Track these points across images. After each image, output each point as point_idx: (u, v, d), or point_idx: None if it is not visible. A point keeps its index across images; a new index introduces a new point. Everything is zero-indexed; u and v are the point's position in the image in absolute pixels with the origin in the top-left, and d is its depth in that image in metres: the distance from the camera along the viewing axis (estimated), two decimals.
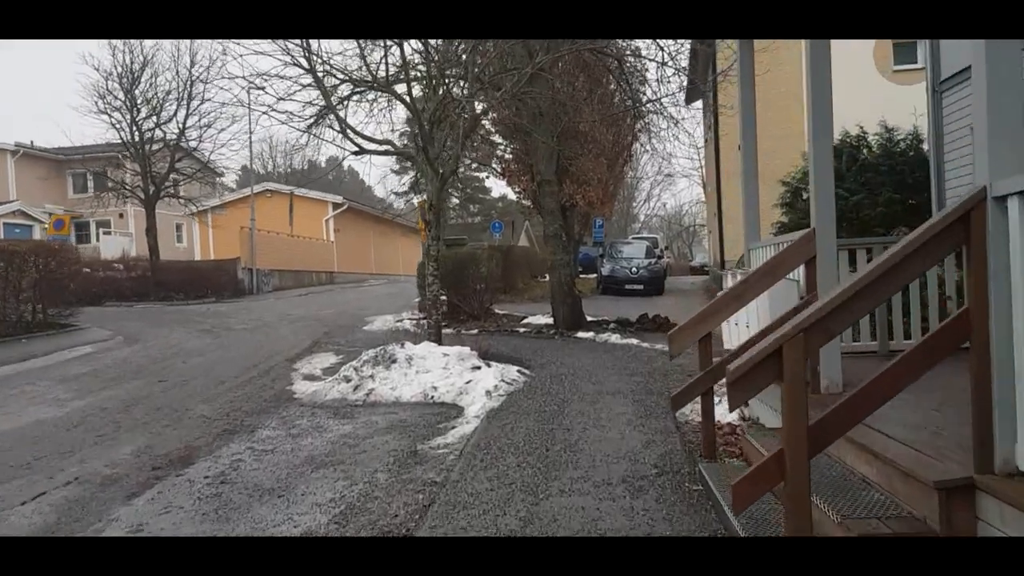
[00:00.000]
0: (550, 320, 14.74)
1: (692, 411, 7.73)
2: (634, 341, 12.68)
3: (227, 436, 7.85)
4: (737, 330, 5.49)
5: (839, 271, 5.62)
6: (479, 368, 9.78)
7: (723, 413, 6.79)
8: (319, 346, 14.26)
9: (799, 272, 5.33)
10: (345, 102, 12.22)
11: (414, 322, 16.68)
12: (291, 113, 12.59)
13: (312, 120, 12.45)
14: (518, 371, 10.03)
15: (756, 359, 3.00)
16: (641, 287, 24.65)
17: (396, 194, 72.03)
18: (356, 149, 11.38)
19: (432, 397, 9.17)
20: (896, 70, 23.00)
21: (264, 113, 12.50)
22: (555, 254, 14.07)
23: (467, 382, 9.36)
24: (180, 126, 25.60)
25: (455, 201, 76.31)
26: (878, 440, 3.91)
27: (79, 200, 37.33)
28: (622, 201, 59.10)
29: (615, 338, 12.94)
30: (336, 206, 35.47)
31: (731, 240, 23.11)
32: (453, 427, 7.80)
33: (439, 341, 11.08)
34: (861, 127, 12.88)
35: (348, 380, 9.83)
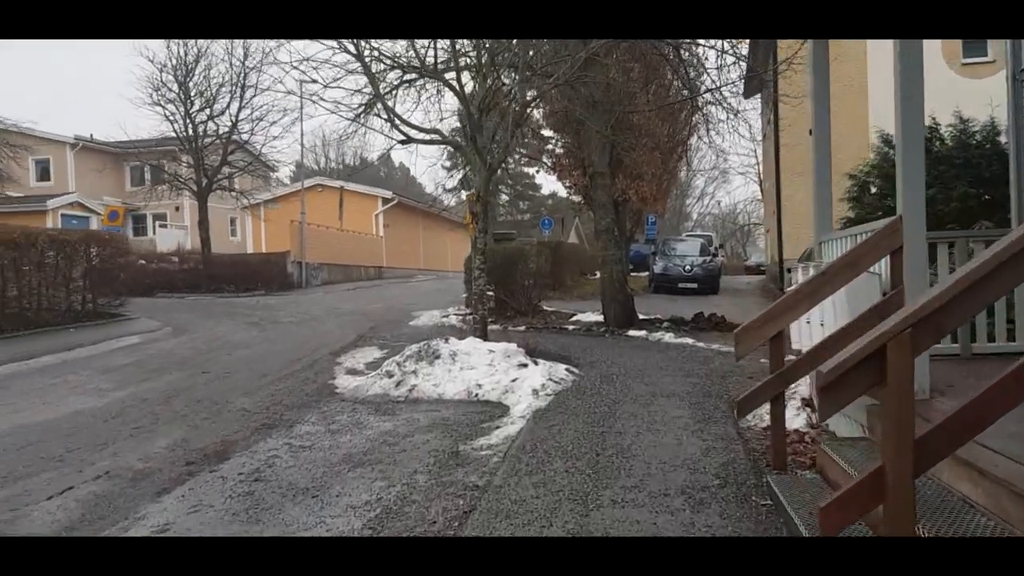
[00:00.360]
0: (600, 318, 14.26)
1: (753, 416, 7.22)
2: (689, 341, 12.15)
3: (265, 431, 7.59)
4: (809, 329, 4.97)
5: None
6: (525, 366, 9.37)
7: (788, 418, 6.28)
8: (364, 340, 14.01)
9: (881, 265, 4.81)
10: (393, 91, 11.93)
11: (460, 318, 16.34)
12: (338, 102, 12.30)
13: (360, 109, 12.18)
14: (566, 370, 9.60)
15: (852, 361, 2.54)
16: (695, 286, 23.98)
17: (446, 189, 72.31)
18: (403, 138, 11.06)
19: (476, 395, 8.80)
20: (965, 63, 21.98)
21: (311, 100, 12.13)
22: (606, 249, 13.58)
23: (513, 380, 8.96)
24: (233, 119, 25.71)
25: (504, 198, 76.16)
26: (983, 455, 3.40)
27: (135, 192, 37.91)
28: (675, 199, 58.15)
29: (668, 337, 12.43)
30: (385, 201, 35.34)
31: (791, 238, 22.33)
32: (497, 427, 7.42)
33: (485, 337, 10.71)
34: (933, 118, 12.15)
35: (391, 375, 9.51)
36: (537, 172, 60.23)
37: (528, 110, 11.52)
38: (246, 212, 37.11)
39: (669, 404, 7.85)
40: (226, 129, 25.72)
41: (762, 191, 53.34)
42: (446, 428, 7.46)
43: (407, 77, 11.71)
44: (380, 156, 20.33)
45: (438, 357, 9.62)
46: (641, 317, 14.33)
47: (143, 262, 24.73)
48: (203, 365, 11.66)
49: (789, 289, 5.35)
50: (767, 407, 6.89)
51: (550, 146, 24.38)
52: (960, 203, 10.75)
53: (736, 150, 74.05)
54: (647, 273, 28.48)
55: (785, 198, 22.44)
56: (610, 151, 13.75)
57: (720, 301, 22.51)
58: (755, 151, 51.68)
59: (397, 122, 11.05)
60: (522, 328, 14.70)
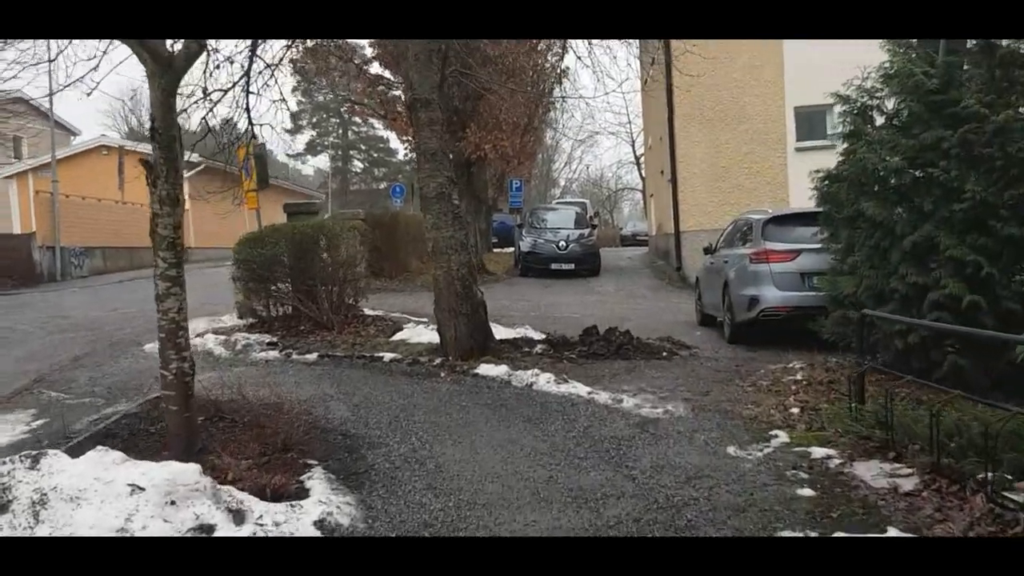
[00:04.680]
0: (437, 337, 8.82)
1: None
2: (582, 391, 6.83)
3: None
4: None
5: None
6: (212, 528, 3.85)
7: None
8: (36, 388, 8.26)
9: None
10: None
11: (225, 336, 10.57)
12: None
13: None
14: (318, 525, 4.10)
15: None
16: (572, 266, 18.99)
17: (290, 156, 64.62)
18: None
19: None
20: None
21: None
22: (439, 228, 8.08)
23: None
24: None
25: (359, 165, 69.23)
26: None
27: None
28: (541, 164, 53.45)
29: (546, 381, 7.10)
30: (191, 166, 28.37)
31: (689, 202, 17.61)
32: None
33: (188, 438, 5.10)
34: None
35: None
36: (373, 125, 53.43)
37: None
38: (10, 181, 29.46)
39: None
40: None
41: (635, 152, 49.26)
42: None
43: None
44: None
45: (3, 511, 3.95)
46: (501, 334, 8.99)
47: None
48: None
49: None
50: None
51: (382, 87, 18.71)
52: None
53: (607, 106, 69.19)
54: (513, 250, 23.34)
55: (681, 154, 17.65)
56: (441, 65, 8.25)
57: (606, 287, 17.61)
58: (627, 109, 47.48)
59: None
60: (313, 356, 9.15)
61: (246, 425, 6.17)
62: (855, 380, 5.55)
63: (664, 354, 8.54)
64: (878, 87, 7.07)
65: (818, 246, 8.26)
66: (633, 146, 48.93)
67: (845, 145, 7.30)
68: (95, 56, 6.66)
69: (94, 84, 7.02)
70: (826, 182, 7.61)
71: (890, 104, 7.13)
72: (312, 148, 65.22)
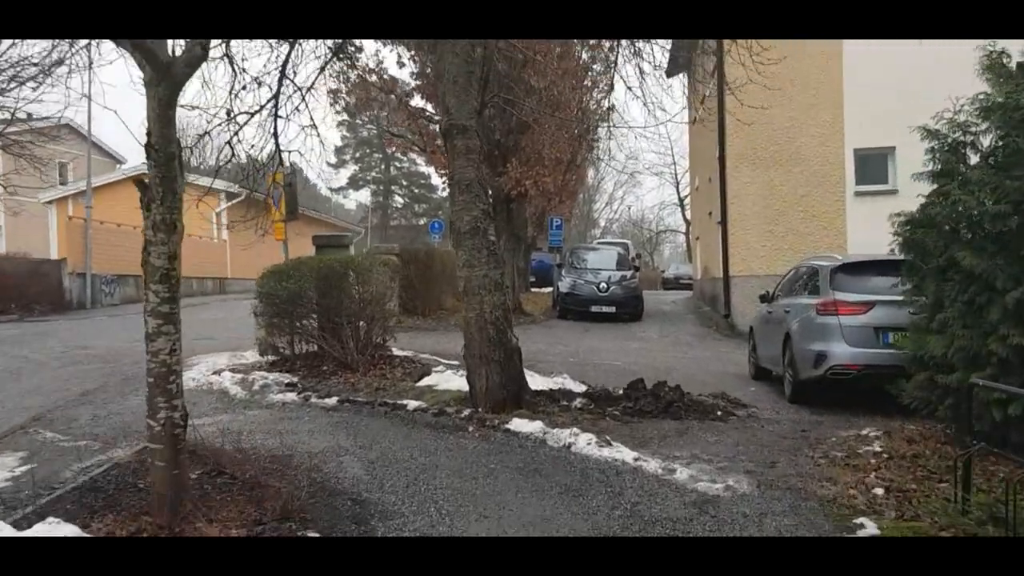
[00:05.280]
0: (467, 385, 8.04)
1: None
2: (627, 456, 6.00)
3: None
4: None
5: None
6: None
7: None
8: (32, 427, 7.71)
9: None
10: None
11: (243, 375, 9.91)
12: None
13: None
14: None
15: None
16: (613, 309, 18.12)
17: (332, 190, 64.86)
18: None
19: None
20: None
21: None
22: (472, 265, 7.35)
23: None
24: None
25: (399, 200, 69.22)
26: None
27: None
28: (582, 204, 52.85)
29: (586, 442, 6.26)
30: (230, 196, 28.14)
31: (740, 245, 16.70)
32: None
33: (171, 501, 4.38)
34: None
35: None
36: (414, 161, 53.23)
37: None
38: (49, 207, 29.55)
39: None
40: None
41: (679, 193, 48.48)
42: None
43: None
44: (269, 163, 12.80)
45: None
46: (536, 385, 8.17)
47: None
48: None
49: None
50: None
51: (423, 120, 18.20)
52: None
53: (651, 146, 68.48)
54: (551, 291, 22.55)
55: (732, 195, 16.80)
56: (481, 89, 7.58)
57: (649, 332, 16.71)
58: (672, 150, 46.86)
59: None
60: (333, 401, 8.42)
61: (246, 483, 5.49)
62: (962, 463, 4.63)
63: (719, 413, 7.65)
64: (973, 121, 6.22)
65: (895, 298, 7.38)
66: (677, 187, 48.25)
67: (937, 181, 6.43)
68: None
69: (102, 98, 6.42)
70: (908, 227, 6.74)
71: (986, 141, 6.27)
72: (354, 183, 65.52)
